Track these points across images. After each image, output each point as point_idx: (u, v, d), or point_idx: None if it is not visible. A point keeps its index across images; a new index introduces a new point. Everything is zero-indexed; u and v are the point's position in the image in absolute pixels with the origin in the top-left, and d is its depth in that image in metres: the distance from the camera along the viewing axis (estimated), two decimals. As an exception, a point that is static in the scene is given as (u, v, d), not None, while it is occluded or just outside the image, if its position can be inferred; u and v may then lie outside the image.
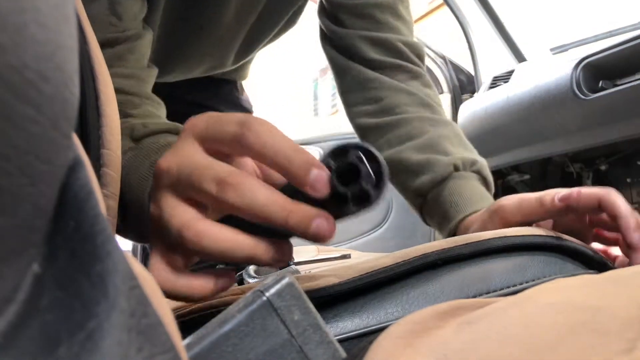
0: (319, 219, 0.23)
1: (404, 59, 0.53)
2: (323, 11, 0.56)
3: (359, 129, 0.54)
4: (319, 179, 0.23)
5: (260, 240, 0.25)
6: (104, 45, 0.41)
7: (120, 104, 0.34)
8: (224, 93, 0.78)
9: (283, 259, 0.26)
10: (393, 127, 0.51)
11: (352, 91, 0.54)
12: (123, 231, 0.37)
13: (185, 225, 0.24)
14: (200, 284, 0.26)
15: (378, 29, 0.52)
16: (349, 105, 0.56)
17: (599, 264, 0.36)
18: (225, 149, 0.25)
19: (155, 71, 0.47)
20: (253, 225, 0.24)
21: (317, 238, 0.23)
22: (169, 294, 0.26)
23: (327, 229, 0.23)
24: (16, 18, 0.09)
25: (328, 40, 0.56)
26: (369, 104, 0.52)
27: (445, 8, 1.61)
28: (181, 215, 0.25)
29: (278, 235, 0.25)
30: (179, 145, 0.26)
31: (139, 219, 0.34)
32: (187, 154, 0.25)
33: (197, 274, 0.26)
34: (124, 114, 0.38)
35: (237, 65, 0.70)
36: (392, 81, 0.52)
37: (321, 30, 0.57)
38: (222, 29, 0.58)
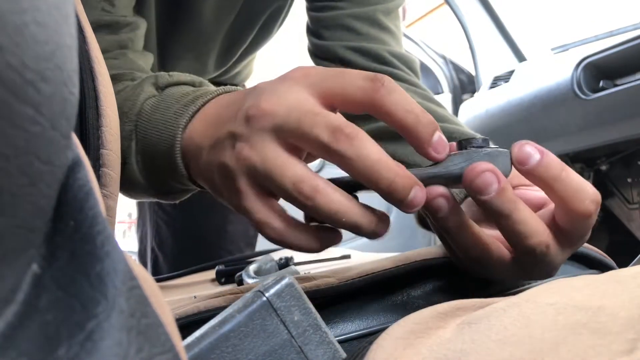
0: (418, 187, 0.23)
1: (394, 67, 0.50)
2: (308, 29, 0.56)
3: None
4: (441, 141, 0.23)
5: (367, 209, 0.24)
6: (101, 27, 0.39)
7: (130, 73, 0.34)
8: None
9: (382, 232, 0.25)
10: None
11: None
12: (142, 186, 0.34)
13: (301, 180, 0.24)
14: (326, 235, 0.26)
15: (359, 40, 0.50)
16: None
17: (600, 264, 0.36)
18: (349, 105, 0.24)
19: (151, 57, 0.46)
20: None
21: (409, 206, 0.23)
22: (293, 245, 0.25)
23: (421, 198, 0.23)
24: (16, 18, 0.09)
25: (316, 55, 0.55)
26: None
27: (445, 8, 1.61)
28: (294, 167, 0.24)
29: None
30: (282, 89, 0.25)
31: (167, 167, 0.32)
32: (296, 99, 0.24)
33: (314, 226, 0.26)
34: (134, 77, 0.37)
35: (220, 71, 0.69)
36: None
37: (309, 48, 0.56)
38: (201, 26, 0.58)
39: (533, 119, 1.17)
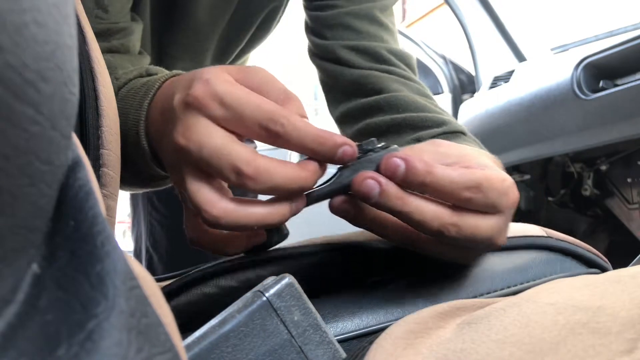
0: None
1: (392, 65, 0.51)
2: (307, 27, 0.56)
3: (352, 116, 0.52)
4: (347, 152, 0.27)
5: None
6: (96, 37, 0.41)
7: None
8: None
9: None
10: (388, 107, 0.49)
11: (342, 91, 0.53)
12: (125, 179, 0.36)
13: (205, 207, 0.27)
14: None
15: (359, 38, 0.51)
16: (338, 102, 0.54)
17: (600, 264, 0.36)
18: (249, 136, 0.27)
19: (147, 58, 0.47)
20: None
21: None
22: (248, 225, 0.27)
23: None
24: (16, 18, 0.09)
25: (315, 55, 0.55)
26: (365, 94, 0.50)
27: (446, 8, 1.61)
28: (201, 195, 0.27)
29: None
30: (190, 123, 0.27)
31: (139, 155, 0.35)
32: (204, 134, 0.27)
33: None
34: (117, 76, 0.39)
35: None
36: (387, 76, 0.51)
37: (308, 47, 0.56)
38: (196, 25, 0.57)
39: (533, 119, 1.17)
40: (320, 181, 0.29)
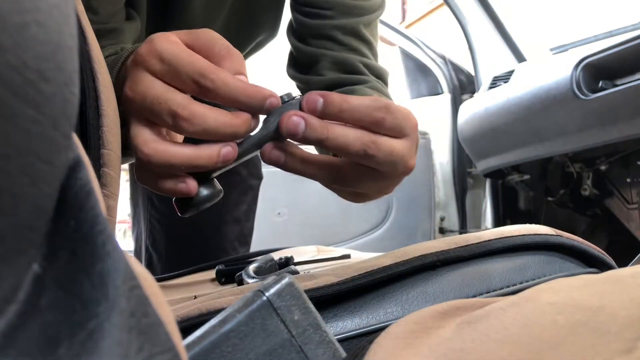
0: (254, 119, 0.31)
1: (363, 75, 0.54)
2: (291, 31, 0.58)
3: None
4: (273, 103, 0.30)
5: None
6: None
7: None
8: None
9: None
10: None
11: None
12: None
13: (139, 146, 0.30)
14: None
15: (340, 49, 0.54)
16: None
17: (599, 262, 0.36)
18: (185, 90, 0.30)
19: None
20: None
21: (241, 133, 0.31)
22: (176, 165, 0.30)
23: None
24: (17, 18, 0.09)
25: (293, 63, 0.58)
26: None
27: (446, 8, 1.61)
28: (139, 136, 0.31)
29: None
30: (136, 76, 0.30)
31: None
32: (147, 86, 0.30)
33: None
34: None
35: None
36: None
37: (289, 54, 0.59)
38: (192, 23, 0.57)
39: (532, 119, 1.17)
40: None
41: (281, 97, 0.31)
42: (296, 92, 0.50)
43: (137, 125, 0.31)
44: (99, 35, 0.43)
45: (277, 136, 0.31)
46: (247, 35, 0.64)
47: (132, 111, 0.31)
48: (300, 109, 0.30)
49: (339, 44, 0.54)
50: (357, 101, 0.30)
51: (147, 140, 0.30)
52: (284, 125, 0.29)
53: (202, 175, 0.32)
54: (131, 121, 0.31)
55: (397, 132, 0.31)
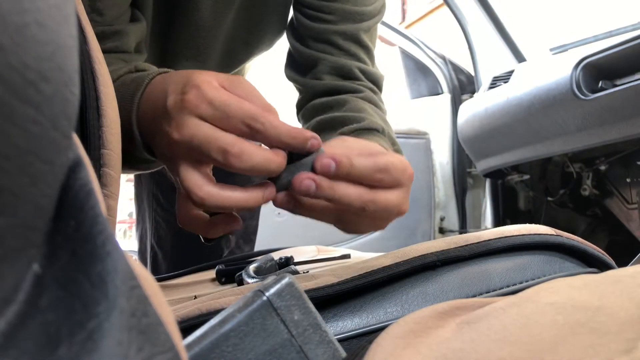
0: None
1: (359, 80, 0.57)
2: (291, 31, 0.59)
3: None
4: (313, 146, 0.33)
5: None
6: None
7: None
8: None
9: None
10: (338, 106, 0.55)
11: (307, 98, 0.59)
12: None
13: (193, 189, 0.33)
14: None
15: (339, 54, 0.56)
16: (304, 107, 0.59)
17: (599, 262, 0.36)
18: (233, 132, 0.32)
19: (143, 56, 0.49)
20: None
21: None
22: (228, 207, 0.33)
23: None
24: (17, 18, 0.09)
25: (291, 64, 0.60)
26: (325, 107, 0.56)
27: (445, 8, 1.61)
28: (190, 179, 0.33)
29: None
30: (183, 120, 0.32)
31: (131, 142, 0.39)
32: (195, 128, 0.32)
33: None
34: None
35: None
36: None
37: (288, 54, 0.60)
38: (199, 21, 0.58)
39: (532, 119, 1.17)
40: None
41: (292, 152, 0.34)
42: (294, 95, 0.52)
43: (185, 168, 0.33)
44: (104, 36, 0.44)
45: (288, 188, 0.35)
46: (255, 33, 0.65)
47: (180, 154, 0.33)
48: (312, 166, 0.34)
49: (338, 49, 0.56)
50: (360, 164, 0.33)
51: (200, 184, 0.33)
52: (297, 185, 0.33)
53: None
54: (178, 162, 0.33)
55: (394, 186, 0.35)
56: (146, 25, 0.51)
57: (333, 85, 0.56)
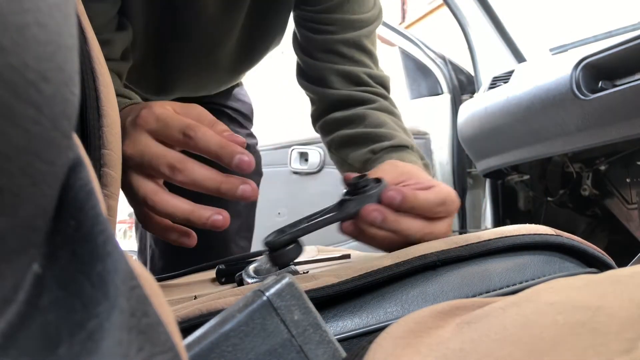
0: (244, 185, 0.37)
1: (369, 86, 0.59)
2: (297, 44, 0.62)
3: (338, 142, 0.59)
4: (241, 162, 0.36)
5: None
6: None
7: None
8: (228, 89, 0.83)
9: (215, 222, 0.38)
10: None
11: (324, 108, 0.61)
12: None
13: (149, 195, 0.37)
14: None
15: (345, 63, 0.58)
16: (326, 123, 0.61)
17: (599, 262, 0.36)
18: (173, 144, 0.37)
19: (128, 63, 0.52)
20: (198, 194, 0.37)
21: (243, 197, 0.37)
22: (175, 215, 0.37)
23: (251, 191, 0.37)
24: (17, 18, 0.09)
25: (302, 73, 0.62)
26: (347, 120, 0.58)
27: (445, 8, 1.61)
28: (145, 187, 0.37)
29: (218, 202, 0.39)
30: (135, 136, 0.37)
31: None
32: (144, 145, 0.37)
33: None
34: None
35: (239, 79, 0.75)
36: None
37: (297, 65, 0.63)
38: (208, 27, 0.59)
39: (532, 119, 1.17)
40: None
41: (357, 182, 0.38)
42: (310, 134, 0.54)
43: (139, 179, 0.37)
44: None
45: (354, 217, 0.37)
46: (261, 38, 0.66)
47: (132, 166, 0.37)
48: (378, 199, 0.36)
49: (343, 57, 0.58)
50: (423, 198, 0.37)
51: (155, 190, 0.37)
52: (365, 216, 0.36)
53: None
54: (131, 175, 0.37)
55: (447, 216, 0.39)
56: (132, 34, 0.52)
57: (346, 95, 0.58)
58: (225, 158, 0.36)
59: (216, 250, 0.76)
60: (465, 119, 1.44)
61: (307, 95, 0.63)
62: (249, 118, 0.88)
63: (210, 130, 0.36)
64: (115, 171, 0.27)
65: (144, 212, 0.40)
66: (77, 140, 0.14)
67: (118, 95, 0.42)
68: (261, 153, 0.93)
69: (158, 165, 0.36)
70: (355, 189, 0.37)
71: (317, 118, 0.62)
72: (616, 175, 1.23)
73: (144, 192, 0.37)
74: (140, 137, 0.36)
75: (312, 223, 0.38)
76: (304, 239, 0.38)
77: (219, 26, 0.59)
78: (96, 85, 0.26)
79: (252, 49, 0.65)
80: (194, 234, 0.42)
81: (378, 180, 0.38)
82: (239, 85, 0.87)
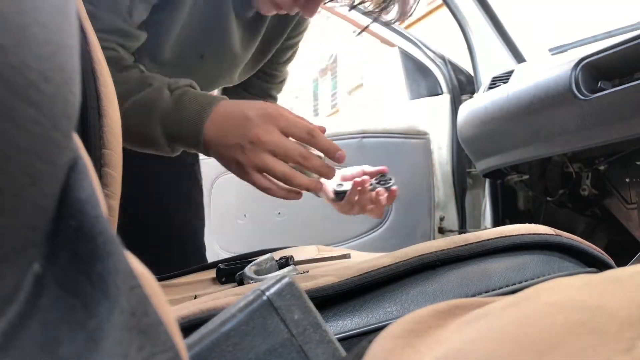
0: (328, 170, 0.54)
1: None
2: (240, 85, 0.83)
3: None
4: (341, 156, 0.52)
5: (305, 178, 0.54)
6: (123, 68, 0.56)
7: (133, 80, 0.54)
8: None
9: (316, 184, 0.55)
10: None
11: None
12: (170, 148, 0.56)
13: (286, 171, 0.52)
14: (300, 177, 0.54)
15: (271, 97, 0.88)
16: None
17: (598, 262, 0.36)
18: (297, 140, 0.52)
19: (132, 58, 0.60)
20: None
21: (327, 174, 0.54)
22: (286, 192, 0.55)
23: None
24: (18, 19, 0.09)
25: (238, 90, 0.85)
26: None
27: (445, 9, 1.61)
28: (283, 167, 0.52)
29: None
30: (269, 129, 0.50)
31: (192, 142, 0.54)
32: (279, 138, 0.51)
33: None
34: (143, 80, 0.56)
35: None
36: None
37: (240, 89, 0.85)
38: (228, 58, 0.74)
39: (532, 119, 1.17)
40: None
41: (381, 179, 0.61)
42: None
43: (274, 160, 0.51)
44: (124, 34, 0.56)
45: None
46: (264, 59, 0.83)
47: (265, 150, 0.50)
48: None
49: (272, 98, 0.88)
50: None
51: (262, 181, 0.53)
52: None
53: None
54: (265, 157, 0.51)
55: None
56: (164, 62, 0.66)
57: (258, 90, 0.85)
58: (332, 153, 0.51)
59: (191, 258, 0.83)
60: (464, 119, 1.44)
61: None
62: None
63: (322, 133, 0.51)
64: (115, 171, 0.27)
65: (265, 183, 0.53)
66: (77, 140, 0.14)
67: (174, 88, 0.54)
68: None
69: (293, 155, 0.50)
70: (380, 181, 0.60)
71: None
72: (615, 175, 1.23)
73: (262, 184, 0.52)
74: (274, 131, 0.50)
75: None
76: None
77: (239, 60, 0.75)
78: (96, 85, 0.26)
79: (255, 67, 0.82)
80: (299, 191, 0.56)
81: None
82: None
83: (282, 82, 0.88)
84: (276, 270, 0.46)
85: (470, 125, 1.41)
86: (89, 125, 0.25)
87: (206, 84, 0.77)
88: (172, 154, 0.57)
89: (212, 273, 0.55)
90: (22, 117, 0.09)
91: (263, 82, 0.85)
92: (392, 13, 0.63)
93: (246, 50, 0.74)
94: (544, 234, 0.35)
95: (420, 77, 1.83)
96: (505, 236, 0.34)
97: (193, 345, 0.17)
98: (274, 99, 0.88)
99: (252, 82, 0.84)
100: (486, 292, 0.31)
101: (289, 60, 0.85)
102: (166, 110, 0.52)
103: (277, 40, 0.78)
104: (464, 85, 1.75)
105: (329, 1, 0.65)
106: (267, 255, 0.50)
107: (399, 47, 1.81)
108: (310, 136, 0.50)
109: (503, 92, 1.28)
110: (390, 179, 0.62)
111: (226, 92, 0.85)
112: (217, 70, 0.74)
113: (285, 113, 0.51)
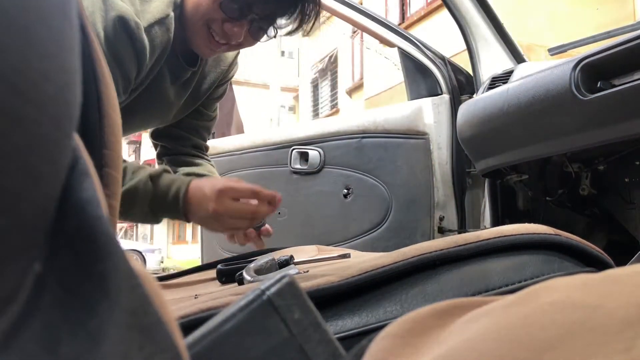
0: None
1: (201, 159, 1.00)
2: (160, 155, 0.98)
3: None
4: (279, 199, 0.72)
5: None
6: None
7: None
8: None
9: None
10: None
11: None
12: (153, 219, 0.73)
13: (242, 226, 0.73)
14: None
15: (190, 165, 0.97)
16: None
17: (598, 261, 0.36)
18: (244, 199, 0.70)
19: None
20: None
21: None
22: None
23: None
24: (20, 19, 0.09)
25: (158, 135, 0.98)
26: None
27: (445, 9, 1.61)
28: (241, 224, 0.72)
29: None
30: (222, 200, 0.68)
31: (174, 216, 0.72)
32: (229, 204, 0.68)
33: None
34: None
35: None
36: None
37: (159, 152, 0.98)
38: (161, 110, 0.87)
39: (531, 119, 1.17)
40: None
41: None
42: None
43: (236, 221, 0.70)
44: None
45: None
46: (193, 105, 0.94)
47: (225, 215, 0.68)
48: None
49: (193, 164, 0.98)
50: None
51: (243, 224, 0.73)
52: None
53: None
54: (228, 221, 0.69)
55: None
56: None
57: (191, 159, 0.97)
58: (273, 198, 0.69)
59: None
60: (464, 119, 1.44)
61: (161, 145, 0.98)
62: None
63: (262, 189, 0.69)
64: (116, 171, 0.27)
65: (240, 240, 0.76)
66: (78, 140, 0.14)
67: (154, 176, 0.71)
68: (261, 153, 1.13)
69: (245, 214, 0.69)
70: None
71: (166, 155, 0.97)
72: (615, 175, 1.23)
73: (244, 225, 0.72)
74: (226, 201, 0.67)
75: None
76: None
77: (173, 106, 0.87)
78: (97, 86, 0.26)
79: (187, 110, 0.94)
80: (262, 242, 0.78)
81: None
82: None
83: (213, 120, 1.00)
84: (276, 270, 0.46)
85: (469, 125, 1.41)
86: (90, 126, 0.25)
87: (142, 125, 0.92)
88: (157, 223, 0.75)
89: (212, 273, 0.55)
90: (24, 117, 0.09)
91: (193, 119, 0.97)
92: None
93: (179, 98, 0.87)
94: (543, 234, 0.35)
95: (420, 78, 1.83)
96: (505, 236, 0.34)
97: (193, 344, 0.17)
98: (203, 139, 1.00)
99: (182, 120, 0.95)
100: (486, 291, 0.31)
101: (220, 97, 0.99)
102: (152, 191, 0.69)
103: (207, 88, 0.92)
104: (463, 86, 1.75)
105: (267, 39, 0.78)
106: (267, 255, 0.50)
107: (399, 47, 1.81)
108: (254, 194, 0.69)
109: (503, 93, 1.28)
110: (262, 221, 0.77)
111: (158, 129, 0.98)
112: (152, 114, 0.88)
113: (231, 184, 0.68)
